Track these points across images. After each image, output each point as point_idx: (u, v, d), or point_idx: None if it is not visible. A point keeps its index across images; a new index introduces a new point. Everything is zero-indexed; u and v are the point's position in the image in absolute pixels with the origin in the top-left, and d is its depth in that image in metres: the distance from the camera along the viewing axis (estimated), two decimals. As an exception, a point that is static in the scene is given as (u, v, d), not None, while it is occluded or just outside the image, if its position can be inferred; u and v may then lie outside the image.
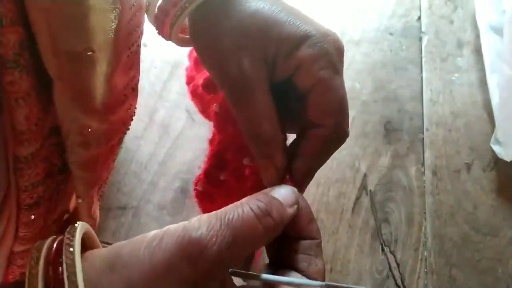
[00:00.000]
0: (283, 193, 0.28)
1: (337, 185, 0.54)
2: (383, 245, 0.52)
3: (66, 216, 0.42)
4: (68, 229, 0.24)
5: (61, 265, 0.21)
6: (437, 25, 0.60)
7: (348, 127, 0.31)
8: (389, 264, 0.52)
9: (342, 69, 0.31)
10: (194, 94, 0.41)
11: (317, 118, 0.30)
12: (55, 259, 0.22)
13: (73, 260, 0.22)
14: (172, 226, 0.24)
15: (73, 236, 0.23)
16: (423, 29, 0.60)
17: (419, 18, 0.61)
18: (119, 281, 0.22)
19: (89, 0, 0.26)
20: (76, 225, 0.24)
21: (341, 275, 0.51)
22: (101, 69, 0.29)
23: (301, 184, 0.31)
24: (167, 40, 0.35)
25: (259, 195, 0.27)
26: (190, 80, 0.42)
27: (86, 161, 0.34)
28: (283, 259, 0.29)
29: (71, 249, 0.22)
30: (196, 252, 0.22)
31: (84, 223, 0.25)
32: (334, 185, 0.54)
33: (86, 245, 0.26)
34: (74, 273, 0.21)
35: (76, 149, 0.32)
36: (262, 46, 0.29)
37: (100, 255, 0.24)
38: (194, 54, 0.42)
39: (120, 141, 0.42)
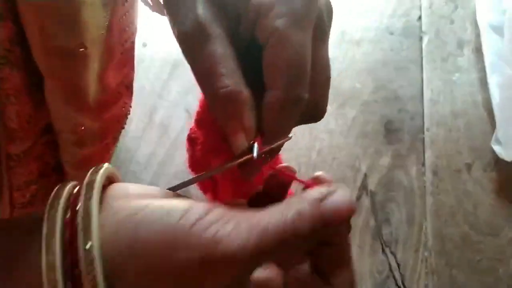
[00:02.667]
0: (339, 207, 0.22)
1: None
2: (384, 246, 0.52)
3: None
4: (89, 173, 0.22)
5: (77, 218, 0.20)
6: (437, 25, 0.60)
7: (305, 92, 0.26)
8: (389, 264, 0.52)
9: (320, 31, 0.26)
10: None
11: (268, 78, 0.26)
12: (73, 206, 0.20)
13: (89, 215, 0.20)
14: (203, 220, 0.21)
15: (92, 187, 0.21)
16: (423, 29, 0.60)
17: (420, 17, 0.60)
18: (136, 269, 0.20)
19: None
20: (100, 169, 0.22)
21: (341, 276, 0.51)
22: (94, 66, 0.29)
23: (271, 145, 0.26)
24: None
25: (315, 209, 0.22)
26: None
27: (80, 160, 0.34)
28: None
29: (89, 200, 0.20)
30: (230, 267, 0.20)
31: (108, 166, 0.23)
32: (334, 185, 0.54)
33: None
34: (90, 229, 0.19)
35: (69, 148, 0.32)
36: None
37: (119, 226, 0.21)
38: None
39: (115, 140, 0.42)
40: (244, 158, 0.26)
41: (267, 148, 0.26)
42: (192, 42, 0.25)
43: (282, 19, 0.24)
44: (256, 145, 0.26)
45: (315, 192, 0.23)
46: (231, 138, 0.26)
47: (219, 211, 0.22)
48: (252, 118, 0.26)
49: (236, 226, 0.21)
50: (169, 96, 0.58)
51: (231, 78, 0.25)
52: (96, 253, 0.19)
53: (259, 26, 0.25)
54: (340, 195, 0.23)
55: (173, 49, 0.58)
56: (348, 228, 0.25)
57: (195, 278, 0.20)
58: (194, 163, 0.32)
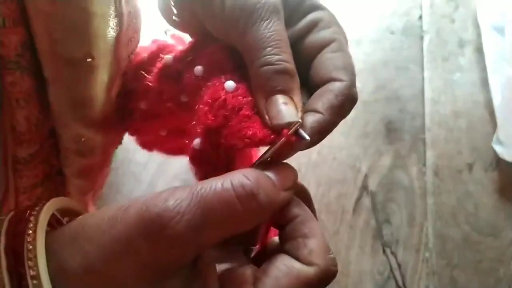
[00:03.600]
0: (281, 172, 0.24)
1: (337, 185, 0.54)
2: (384, 246, 0.52)
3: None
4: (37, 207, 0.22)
5: (24, 237, 0.20)
6: (438, 24, 0.60)
7: (357, 94, 0.28)
8: (390, 265, 0.51)
9: None
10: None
11: (333, 71, 0.27)
12: (17, 230, 0.20)
13: (34, 231, 0.20)
14: (144, 195, 0.21)
15: (39, 212, 0.21)
16: (424, 28, 0.60)
17: (421, 17, 0.60)
18: (78, 253, 0.20)
19: (91, 6, 0.25)
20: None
21: (342, 276, 0.51)
22: (103, 77, 0.29)
23: (315, 140, 0.27)
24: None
25: (248, 170, 0.23)
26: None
27: (80, 169, 0.34)
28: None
29: (31, 220, 0.21)
30: (156, 230, 0.20)
31: (60, 198, 0.24)
32: (334, 185, 0.54)
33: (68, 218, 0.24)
34: (34, 245, 0.20)
35: (70, 156, 0.32)
36: None
37: (69, 225, 0.22)
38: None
39: (113, 151, 0.41)
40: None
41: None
42: (264, 15, 0.26)
43: (340, 35, 0.28)
44: (301, 130, 0.26)
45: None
46: (280, 108, 0.25)
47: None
48: (302, 102, 0.27)
49: (169, 193, 0.21)
50: (168, 96, 0.58)
51: (291, 60, 0.26)
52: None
53: (317, 34, 0.28)
54: (283, 165, 0.25)
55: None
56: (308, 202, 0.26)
57: (137, 250, 0.20)
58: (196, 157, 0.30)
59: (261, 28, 0.26)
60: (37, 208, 0.22)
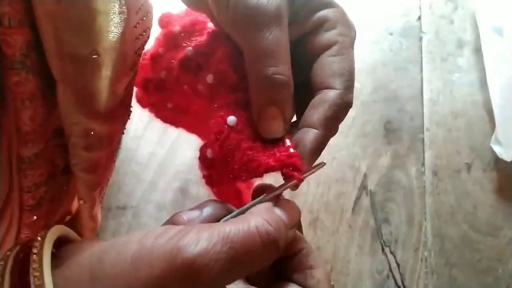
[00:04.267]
0: (289, 212, 0.25)
1: (337, 185, 0.54)
2: (383, 245, 0.52)
3: (68, 217, 0.42)
4: (39, 235, 0.22)
5: (29, 277, 0.19)
6: (437, 25, 0.60)
7: (353, 98, 0.29)
8: (389, 264, 0.52)
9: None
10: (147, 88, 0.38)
11: (329, 78, 0.28)
12: (21, 270, 0.20)
13: (41, 273, 0.19)
14: (164, 235, 0.21)
15: (42, 245, 0.21)
16: (423, 29, 0.60)
17: (419, 18, 0.60)
18: None
19: (96, 4, 0.26)
20: (48, 231, 0.22)
21: (341, 275, 0.51)
22: (107, 73, 0.29)
23: (310, 159, 0.28)
24: None
25: (269, 215, 0.23)
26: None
27: (89, 164, 0.34)
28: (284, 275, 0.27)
29: (35, 258, 0.20)
30: (191, 276, 0.20)
31: (58, 226, 0.23)
32: (334, 185, 0.54)
33: (66, 245, 0.24)
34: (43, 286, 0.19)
35: (79, 152, 0.32)
36: None
37: (81, 263, 0.21)
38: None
39: (120, 141, 0.42)
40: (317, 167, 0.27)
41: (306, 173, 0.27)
42: (263, 21, 0.26)
43: (344, 37, 0.28)
44: (287, 140, 0.28)
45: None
46: (269, 122, 0.27)
47: (178, 227, 0.22)
48: (293, 110, 0.28)
49: (196, 234, 0.21)
50: (169, 96, 0.58)
51: (288, 70, 0.27)
52: None
53: (321, 35, 0.28)
54: (289, 203, 0.26)
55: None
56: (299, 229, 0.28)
57: None
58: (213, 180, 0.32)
59: (261, 35, 0.26)
60: (37, 243, 0.21)
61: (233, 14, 0.27)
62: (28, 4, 0.24)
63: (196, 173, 0.53)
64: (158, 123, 0.56)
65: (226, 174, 0.29)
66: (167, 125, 0.57)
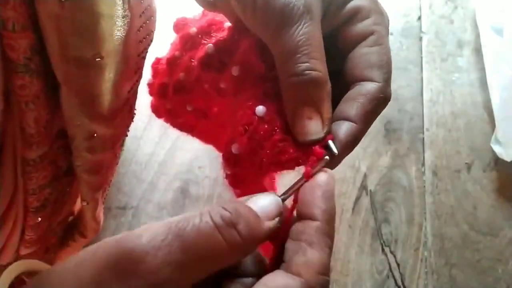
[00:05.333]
0: (262, 202, 0.23)
1: (337, 185, 0.54)
2: (383, 245, 0.52)
3: (70, 218, 0.42)
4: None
5: None
6: (437, 25, 0.60)
7: (391, 91, 0.27)
8: (389, 264, 0.52)
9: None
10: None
11: (367, 70, 0.27)
12: None
13: None
14: (114, 236, 0.20)
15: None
16: (423, 29, 0.60)
17: (419, 18, 0.61)
18: None
19: (100, 7, 0.26)
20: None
21: (341, 275, 0.51)
22: (110, 75, 0.29)
23: (344, 151, 0.26)
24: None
25: (227, 203, 0.22)
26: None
27: (92, 166, 0.34)
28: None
29: None
30: (129, 266, 0.18)
31: (22, 261, 0.23)
32: (334, 185, 0.54)
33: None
34: None
35: (82, 154, 0.32)
36: None
37: (35, 277, 0.20)
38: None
39: (123, 143, 0.42)
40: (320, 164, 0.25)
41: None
42: (292, 18, 0.25)
43: (379, 27, 0.27)
44: (331, 142, 0.26)
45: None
46: (305, 124, 0.25)
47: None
48: (331, 110, 0.26)
49: (144, 228, 0.20)
50: (169, 96, 0.58)
51: (322, 65, 0.25)
52: None
53: (355, 25, 0.27)
54: (265, 195, 0.24)
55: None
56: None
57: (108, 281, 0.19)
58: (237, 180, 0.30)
59: (290, 33, 0.25)
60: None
61: (261, 14, 0.26)
62: (32, 8, 0.24)
63: (196, 173, 0.53)
64: (158, 123, 0.56)
65: (253, 170, 0.27)
66: (167, 125, 0.56)
